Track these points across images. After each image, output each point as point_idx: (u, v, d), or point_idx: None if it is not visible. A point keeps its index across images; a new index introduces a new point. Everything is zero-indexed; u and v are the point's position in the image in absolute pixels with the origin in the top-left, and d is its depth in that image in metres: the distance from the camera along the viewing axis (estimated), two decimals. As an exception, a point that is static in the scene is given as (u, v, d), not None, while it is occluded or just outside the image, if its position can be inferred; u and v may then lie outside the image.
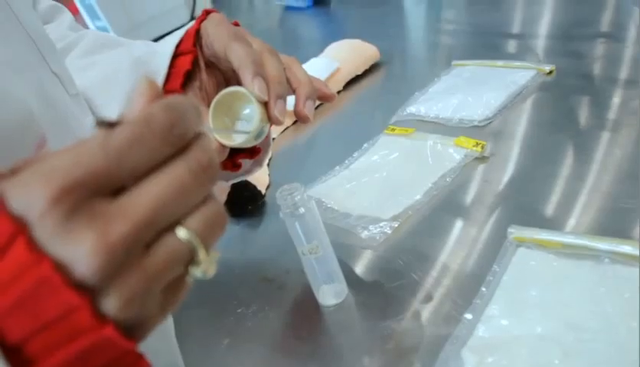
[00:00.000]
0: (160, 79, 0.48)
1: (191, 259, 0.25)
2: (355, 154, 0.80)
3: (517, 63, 0.89)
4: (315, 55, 1.14)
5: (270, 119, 0.44)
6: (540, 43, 1.00)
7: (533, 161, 0.68)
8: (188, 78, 0.49)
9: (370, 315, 0.55)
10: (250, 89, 0.43)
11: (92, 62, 0.58)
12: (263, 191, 0.78)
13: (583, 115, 0.75)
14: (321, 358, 0.53)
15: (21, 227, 0.21)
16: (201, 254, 0.24)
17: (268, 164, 0.85)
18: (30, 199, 0.21)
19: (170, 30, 1.85)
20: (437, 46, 1.18)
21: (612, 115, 0.72)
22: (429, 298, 0.54)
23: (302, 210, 0.52)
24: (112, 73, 0.55)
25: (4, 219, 0.21)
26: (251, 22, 1.85)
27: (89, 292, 0.22)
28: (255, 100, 0.43)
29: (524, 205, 0.62)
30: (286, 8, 1.76)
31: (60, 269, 0.21)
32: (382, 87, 1.05)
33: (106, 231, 0.21)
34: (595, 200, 0.60)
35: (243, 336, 0.57)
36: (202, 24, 0.50)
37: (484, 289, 0.52)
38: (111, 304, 0.22)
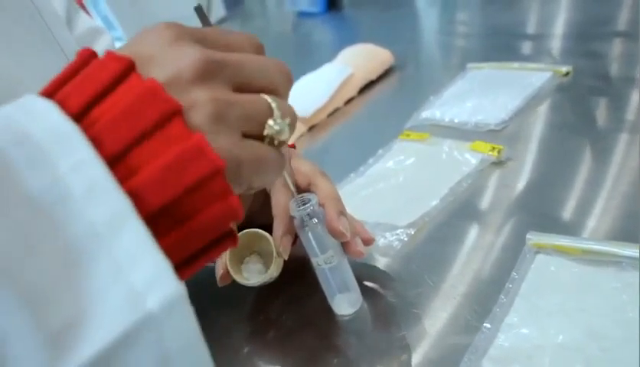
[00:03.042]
0: None
1: (268, 117, 0.30)
2: (370, 161, 0.79)
3: (533, 65, 0.88)
4: (329, 59, 1.14)
5: (334, 234, 0.53)
6: (556, 43, 0.99)
7: (551, 165, 0.67)
8: None
9: (387, 324, 0.55)
10: (276, 243, 0.52)
11: None
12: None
13: (602, 116, 0.73)
14: (338, 369, 0.52)
15: (130, 61, 0.26)
16: (276, 111, 0.30)
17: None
18: (146, 28, 0.28)
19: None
20: (451, 49, 1.17)
21: (631, 116, 0.71)
22: (447, 306, 0.53)
23: (315, 221, 0.52)
24: None
25: (114, 57, 0.26)
26: (264, 28, 1.86)
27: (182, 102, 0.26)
28: (275, 254, 0.52)
29: (542, 210, 0.61)
30: (299, 13, 1.76)
31: (163, 84, 0.26)
32: (396, 92, 1.04)
33: (205, 51, 0.28)
34: (615, 205, 0.58)
35: (262, 345, 0.57)
36: None
37: (503, 297, 0.51)
38: (199, 96, 0.26)
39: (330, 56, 1.16)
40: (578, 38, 0.98)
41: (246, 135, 0.29)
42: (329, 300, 0.56)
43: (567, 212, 0.60)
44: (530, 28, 1.11)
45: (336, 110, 1.01)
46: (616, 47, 0.90)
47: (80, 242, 0.22)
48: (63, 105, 0.25)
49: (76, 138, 0.23)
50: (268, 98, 0.30)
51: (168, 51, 0.27)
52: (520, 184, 0.66)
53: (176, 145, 0.25)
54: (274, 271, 0.54)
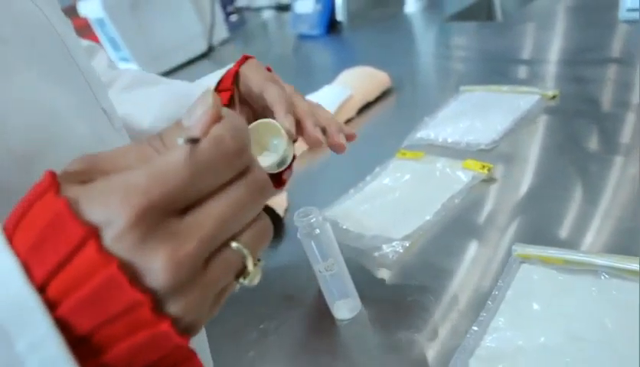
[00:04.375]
0: None
1: (242, 269, 0.28)
2: (368, 178, 0.84)
3: (522, 88, 0.93)
4: (328, 81, 1.19)
5: (311, 143, 0.53)
6: (547, 68, 1.04)
7: (539, 182, 0.72)
8: None
9: (383, 328, 0.59)
10: (282, 122, 0.49)
11: (131, 96, 0.64)
12: (282, 214, 0.82)
13: (586, 137, 0.78)
14: (337, 370, 0.57)
15: (91, 231, 0.23)
16: (250, 264, 0.28)
17: (286, 188, 0.90)
18: (110, 215, 0.24)
19: (188, 59, 1.92)
20: (446, 72, 1.22)
21: (614, 137, 0.76)
22: (438, 312, 0.58)
23: (317, 231, 0.56)
24: (149, 102, 0.62)
25: (76, 224, 0.23)
26: (266, 49, 1.91)
27: (153, 293, 0.24)
28: (284, 132, 0.48)
29: (529, 224, 0.65)
30: (300, 35, 1.82)
31: (128, 271, 0.24)
32: (393, 113, 1.09)
33: (176, 249, 0.24)
34: (600, 219, 0.62)
35: (266, 349, 0.61)
36: (241, 67, 0.57)
37: (490, 303, 0.55)
38: (174, 310, 0.25)
39: (329, 78, 1.21)
40: (568, 63, 1.03)
41: None
42: (330, 305, 0.61)
43: (553, 226, 0.64)
44: (523, 53, 1.16)
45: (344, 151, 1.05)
46: (606, 73, 0.94)
47: None
48: (28, 268, 0.24)
49: (38, 314, 0.23)
50: (239, 250, 0.27)
51: (135, 261, 0.24)
52: (509, 200, 0.70)
53: (143, 330, 0.24)
54: (288, 151, 0.51)
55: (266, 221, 0.29)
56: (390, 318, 0.60)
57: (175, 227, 0.25)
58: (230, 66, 0.58)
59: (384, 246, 0.68)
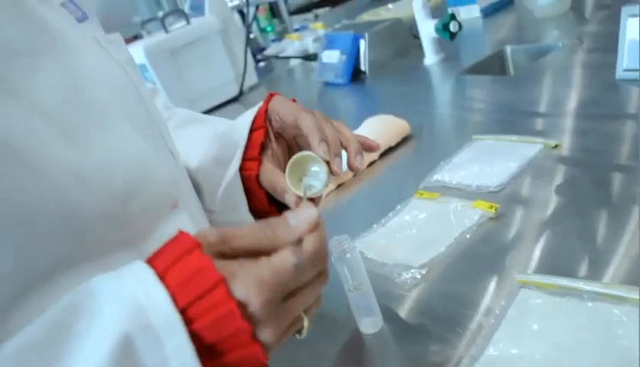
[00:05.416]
0: (240, 149, 0.63)
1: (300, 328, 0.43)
2: (390, 214, 0.95)
3: (528, 138, 1.04)
4: (353, 127, 1.28)
5: (332, 172, 0.58)
6: (554, 121, 1.13)
7: (540, 221, 0.82)
8: (263, 148, 0.64)
9: (403, 342, 0.69)
10: (317, 151, 0.57)
11: (181, 135, 0.71)
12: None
13: (583, 183, 0.88)
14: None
15: (223, 279, 0.36)
16: (306, 323, 0.42)
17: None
18: (249, 297, 0.37)
19: (221, 102, 2.06)
20: (461, 121, 1.34)
21: (610, 185, 0.85)
22: (450, 328, 0.68)
23: (348, 255, 0.67)
24: (196, 142, 0.70)
25: (214, 273, 0.36)
26: (292, 95, 2.01)
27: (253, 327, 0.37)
28: (322, 160, 0.57)
29: (528, 256, 0.75)
30: (325, 83, 1.94)
31: (243, 311, 0.36)
32: (412, 157, 1.21)
33: (279, 325, 0.39)
34: (599, 253, 0.72)
35: (301, 361, 0.72)
36: (269, 104, 0.64)
37: (493, 320, 0.65)
38: (264, 340, 0.38)
39: (353, 124, 1.32)
40: (570, 116, 1.12)
41: None
42: (357, 320, 0.71)
43: (552, 258, 0.74)
44: (530, 106, 1.25)
45: (360, 171, 1.17)
46: (606, 126, 1.03)
47: None
48: (174, 297, 0.35)
49: (180, 328, 0.34)
50: (307, 320, 0.42)
51: (264, 313, 0.37)
52: (512, 236, 0.81)
53: (243, 349, 0.36)
54: (328, 177, 0.58)
55: (321, 297, 0.44)
56: (408, 334, 0.70)
57: (282, 310, 0.39)
58: (260, 104, 0.64)
59: (404, 273, 0.79)
